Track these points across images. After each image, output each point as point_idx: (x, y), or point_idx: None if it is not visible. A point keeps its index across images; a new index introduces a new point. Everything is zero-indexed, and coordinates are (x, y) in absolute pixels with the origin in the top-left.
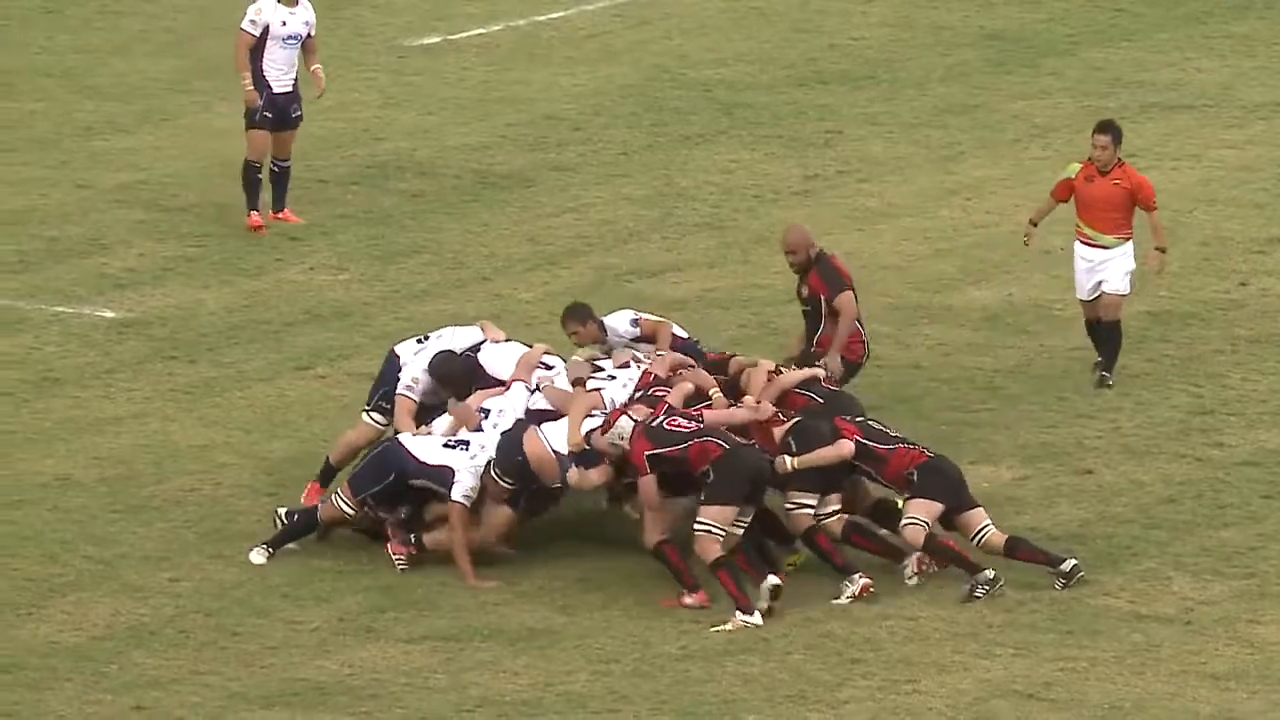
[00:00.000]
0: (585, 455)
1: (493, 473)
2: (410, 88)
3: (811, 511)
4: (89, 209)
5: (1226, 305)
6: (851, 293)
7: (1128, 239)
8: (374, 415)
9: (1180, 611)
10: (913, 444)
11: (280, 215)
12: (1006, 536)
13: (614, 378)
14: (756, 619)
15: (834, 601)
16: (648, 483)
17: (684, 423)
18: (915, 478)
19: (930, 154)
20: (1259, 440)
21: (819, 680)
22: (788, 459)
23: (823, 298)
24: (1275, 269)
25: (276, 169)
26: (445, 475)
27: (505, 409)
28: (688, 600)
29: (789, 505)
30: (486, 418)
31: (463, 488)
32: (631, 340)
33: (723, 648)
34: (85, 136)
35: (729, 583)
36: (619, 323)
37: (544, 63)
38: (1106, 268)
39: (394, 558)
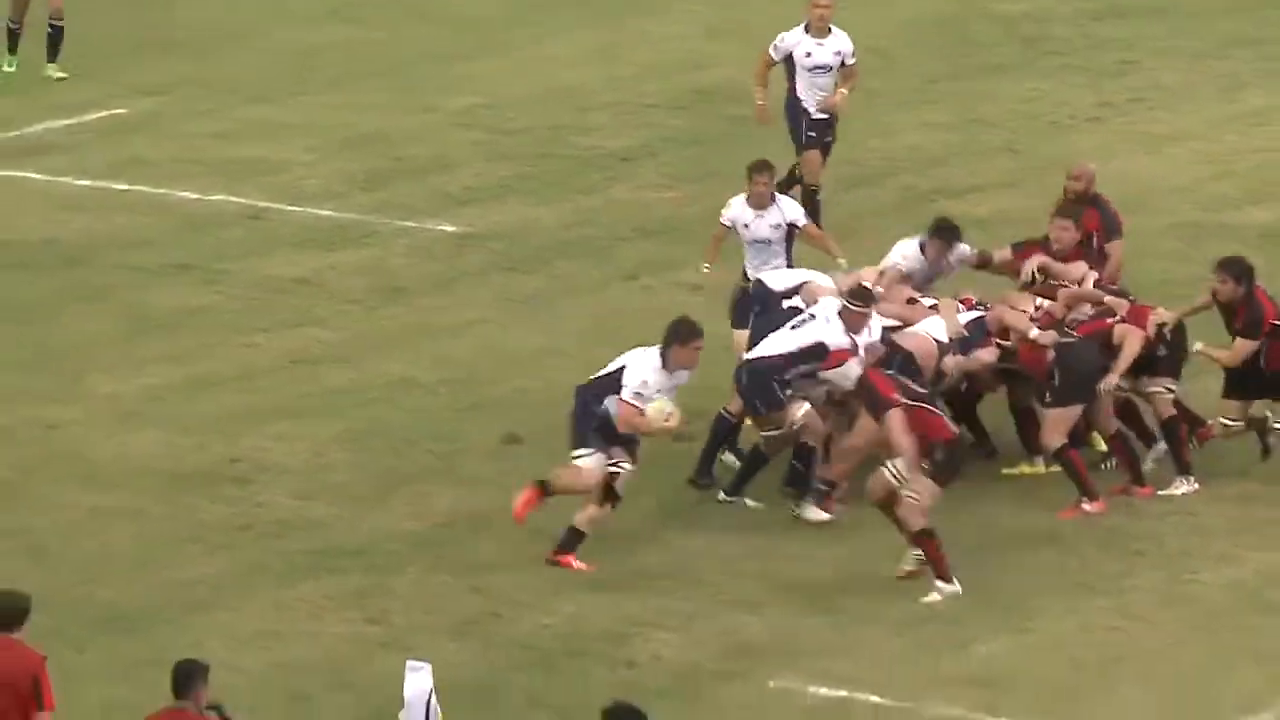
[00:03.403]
0: (965, 342)
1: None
2: (732, 19)
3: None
4: (433, 131)
5: None
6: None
7: None
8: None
9: None
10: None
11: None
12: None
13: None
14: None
15: (1168, 492)
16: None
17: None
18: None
19: (1216, 82)
20: None
21: (1106, 571)
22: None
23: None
24: None
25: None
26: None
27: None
28: (1086, 507)
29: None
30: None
31: None
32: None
33: (1015, 540)
34: (429, 63)
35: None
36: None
37: None
38: None
39: (822, 515)
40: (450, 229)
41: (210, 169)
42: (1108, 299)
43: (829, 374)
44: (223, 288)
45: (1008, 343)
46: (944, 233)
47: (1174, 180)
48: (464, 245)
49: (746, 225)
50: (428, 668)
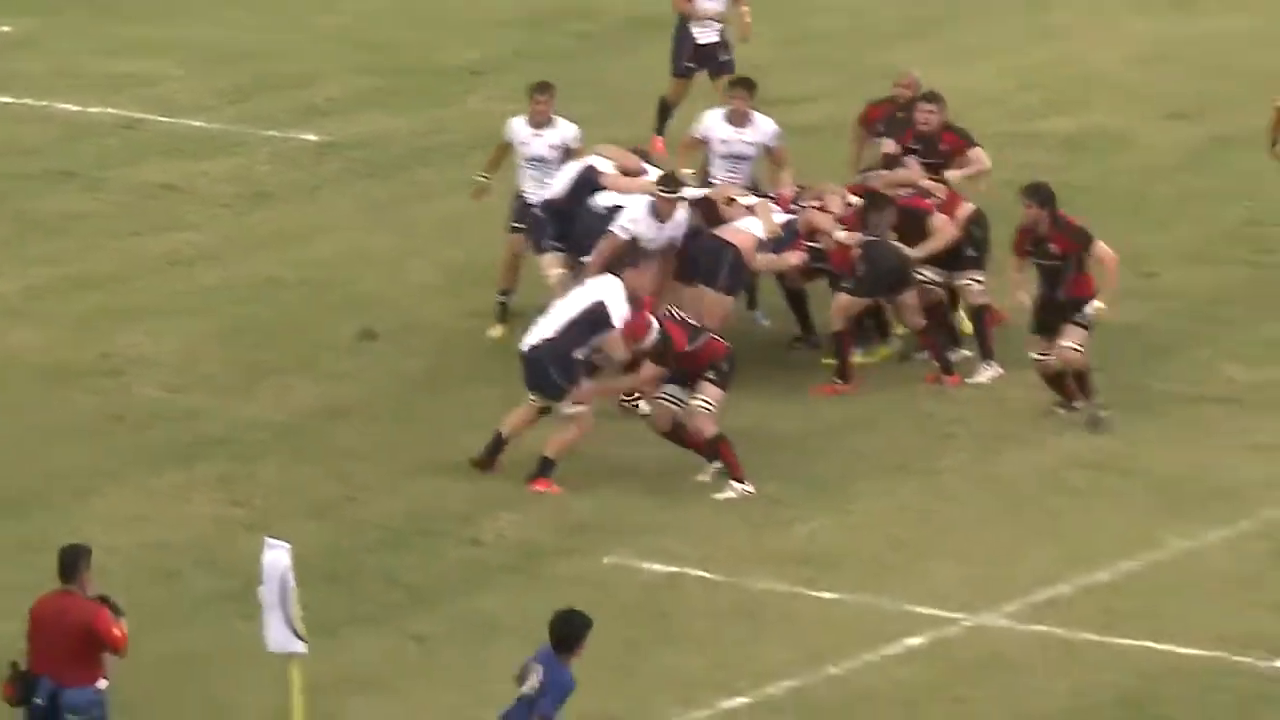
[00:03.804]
0: (777, 243)
1: None
2: None
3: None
4: (299, 48)
5: None
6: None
7: None
8: None
9: (1230, 394)
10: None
11: None
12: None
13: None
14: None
15: (975, 380)
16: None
17: None
18: None
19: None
20: None
21: (920, 454)
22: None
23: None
24: None
25: None
26: None
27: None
28: (839, 387)
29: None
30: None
31: None
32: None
33: (835, 426)
34: None
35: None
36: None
37: None
38: None
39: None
40: (313, 139)
41: (89, 83)
42: (924, 183)
43: (641, 344)
44: (102, 194)
45: (818, 244)
46: (743, 82)
47: (984, 92)
48: (325, 154)
49: (524, 143)
50: (287, 547)
